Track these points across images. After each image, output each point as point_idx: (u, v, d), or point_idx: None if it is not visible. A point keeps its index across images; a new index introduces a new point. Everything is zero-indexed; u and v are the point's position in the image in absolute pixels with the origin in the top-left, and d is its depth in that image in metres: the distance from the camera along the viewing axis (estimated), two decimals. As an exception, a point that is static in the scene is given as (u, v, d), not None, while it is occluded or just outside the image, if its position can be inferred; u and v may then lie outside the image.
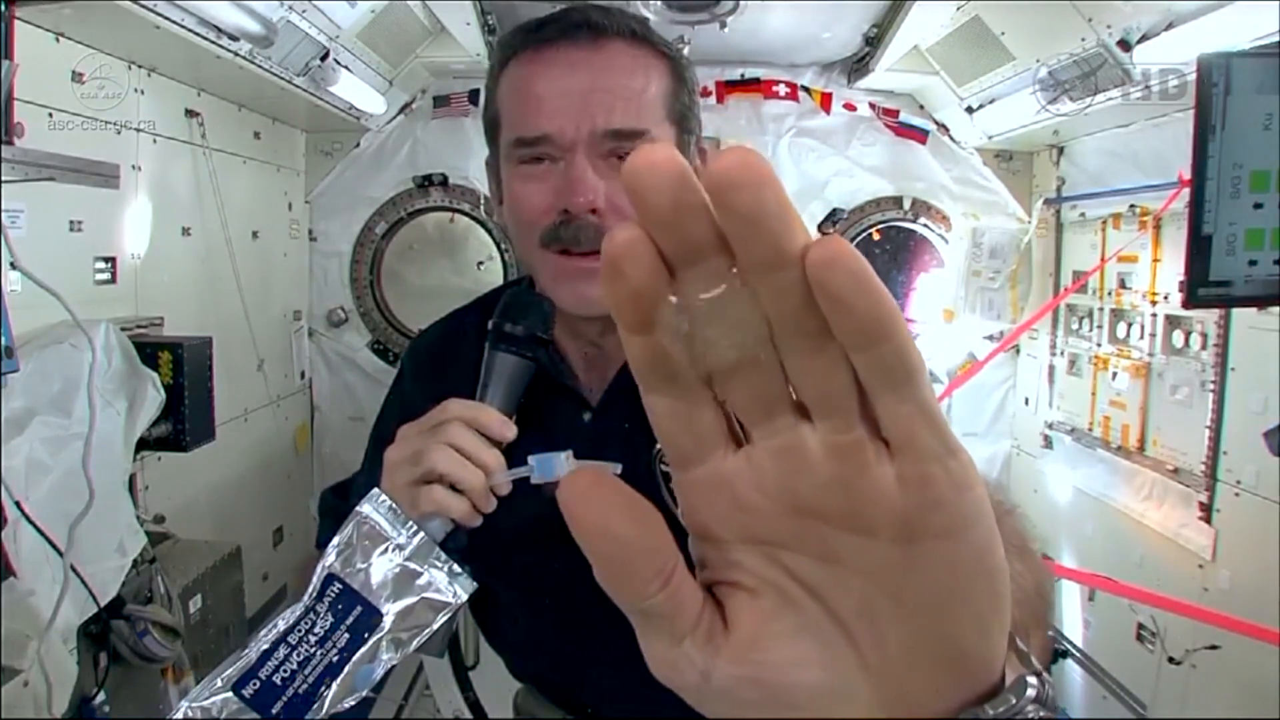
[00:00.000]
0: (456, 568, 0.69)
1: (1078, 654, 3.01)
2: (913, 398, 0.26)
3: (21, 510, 1.58)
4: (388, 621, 0.66)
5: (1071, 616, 3.11)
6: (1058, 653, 2.76)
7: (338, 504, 1.07)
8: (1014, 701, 0.31)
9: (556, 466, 0.70)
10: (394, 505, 0.69)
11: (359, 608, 0.66)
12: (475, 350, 0.94)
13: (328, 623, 0.65)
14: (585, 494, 0.28)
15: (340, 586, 0.66)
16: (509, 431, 0.79)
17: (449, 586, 0.68)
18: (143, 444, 2.08)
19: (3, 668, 1.48)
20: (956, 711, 0.31)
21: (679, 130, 0.91)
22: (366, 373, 3.62)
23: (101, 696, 1.78)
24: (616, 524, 0.28)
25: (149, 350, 2.12)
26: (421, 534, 0.69)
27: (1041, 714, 0.31)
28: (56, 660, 1.59)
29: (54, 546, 1.62)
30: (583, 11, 0.87)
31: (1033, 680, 0.32)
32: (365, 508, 0.69)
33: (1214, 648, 2.30)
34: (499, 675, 1.20)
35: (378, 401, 1.16)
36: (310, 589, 0.66)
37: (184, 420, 2.17)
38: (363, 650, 0.65)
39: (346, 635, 0.65)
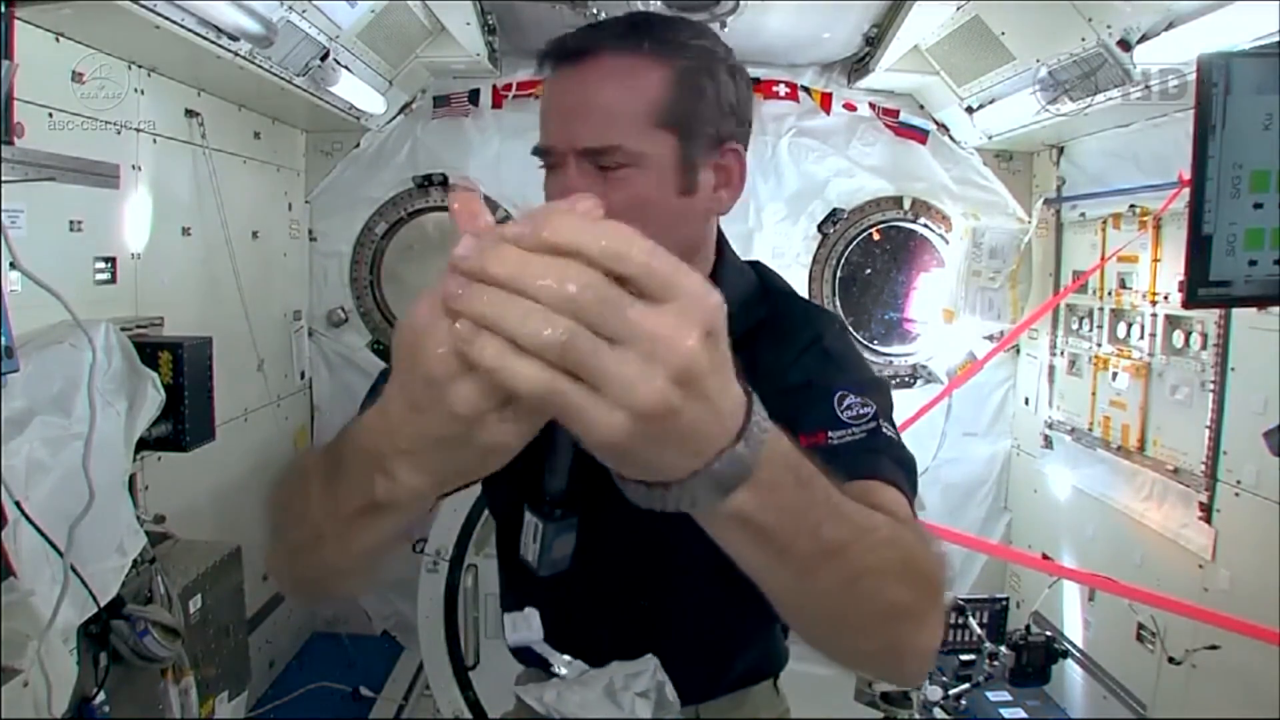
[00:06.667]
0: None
1: (1078, 654, 3.00)
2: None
3: (21, 510, 1.58)
4: None
5: (1071, 616, 3.11)
6: (1058, 652, 2.76)
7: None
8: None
9: None
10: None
11: None
12: None
13: None
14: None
15: None
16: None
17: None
18: (143, 444, 2.08)
19: (3, 668, 1.48)
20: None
21: (678, 136, 0.89)
22: (367, 373, 3.60)
23: (101, 696, 1.77)
24: None
25: (149, 350, 2.12)
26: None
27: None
28: (56, 660, 1.58)
29: (54, 546, 1.62)
30: (587, 29, 0.93)
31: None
32: None
33: (1214, 648, 2.29)
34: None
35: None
36: None
37: (184, 420, 2.17)
38: None
39: None
